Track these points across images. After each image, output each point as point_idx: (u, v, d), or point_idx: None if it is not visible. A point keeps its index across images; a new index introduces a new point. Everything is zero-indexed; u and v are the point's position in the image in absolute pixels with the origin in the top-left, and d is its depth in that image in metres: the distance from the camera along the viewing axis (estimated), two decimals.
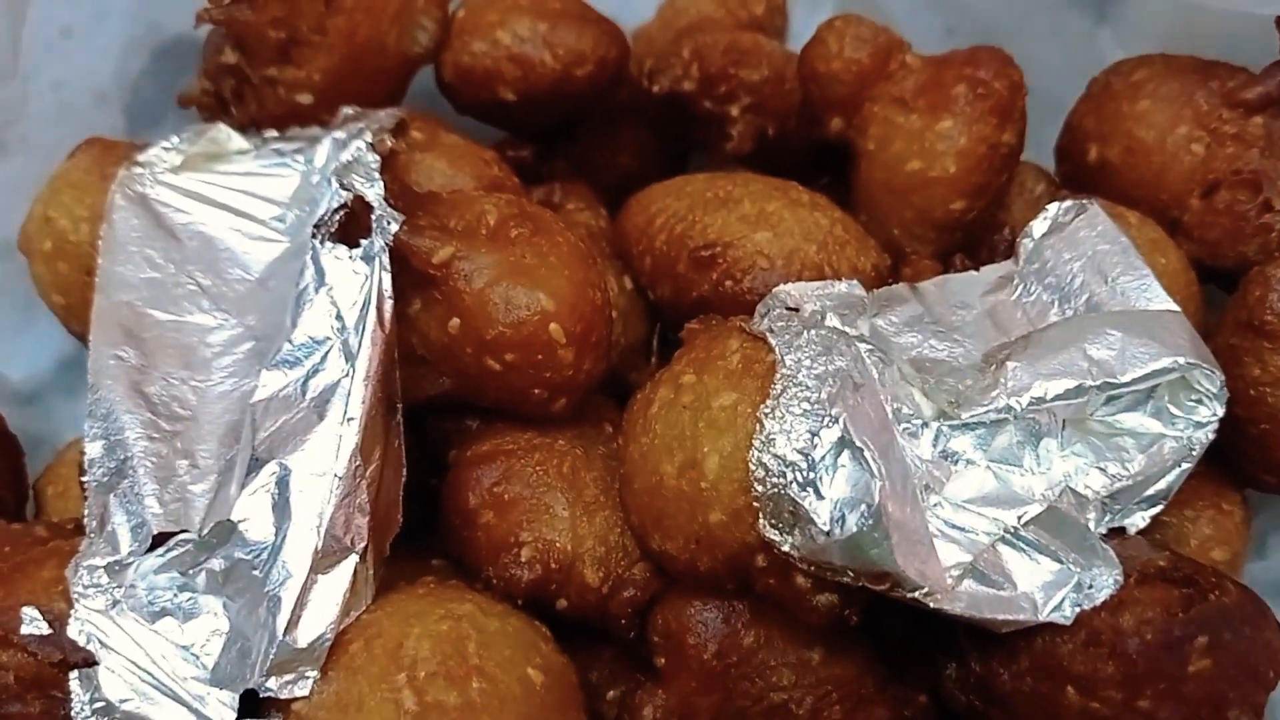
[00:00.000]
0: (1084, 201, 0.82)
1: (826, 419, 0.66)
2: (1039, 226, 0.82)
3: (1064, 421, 0.72)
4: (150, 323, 0.81)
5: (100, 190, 0.88)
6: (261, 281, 0.83)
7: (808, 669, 0.73)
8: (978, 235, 0.93)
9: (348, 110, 0.91)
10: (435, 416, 0.83)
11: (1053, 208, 0.82)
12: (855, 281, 0.81)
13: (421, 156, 0.87)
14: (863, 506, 0.64)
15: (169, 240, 0.84)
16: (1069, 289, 0.78)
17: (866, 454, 0.65)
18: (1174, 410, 0.73)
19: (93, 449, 0.76)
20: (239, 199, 0.86)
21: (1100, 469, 0.71)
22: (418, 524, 0.79)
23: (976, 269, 0.84)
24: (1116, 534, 0.72)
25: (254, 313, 0.82)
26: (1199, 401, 0.72)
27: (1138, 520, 0.73)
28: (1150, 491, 0.73)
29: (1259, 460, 0.81)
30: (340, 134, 0.86)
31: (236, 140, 0.90)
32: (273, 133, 0.91)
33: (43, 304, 0.94)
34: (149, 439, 0.77)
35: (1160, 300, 0.75)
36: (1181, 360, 0.70)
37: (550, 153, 1.05)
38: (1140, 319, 0.73)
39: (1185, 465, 0.73)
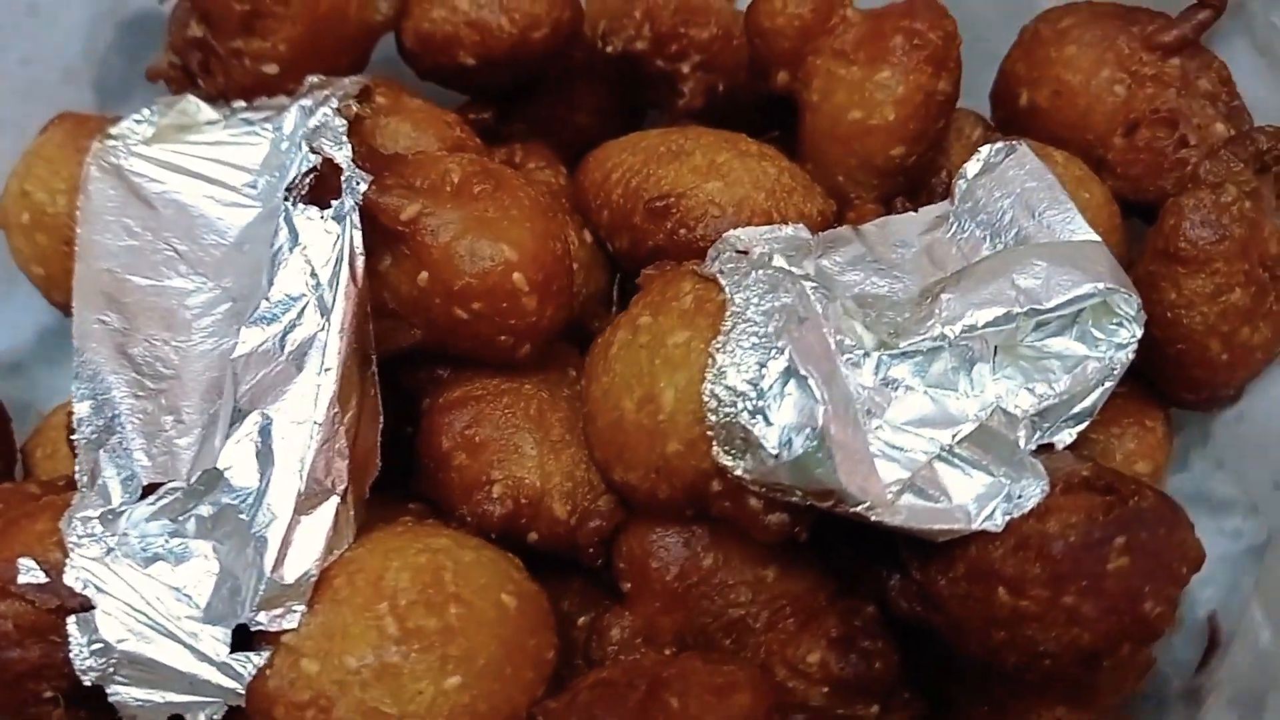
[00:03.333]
0: (1013, 143, 0.86)
1: (773, 350, 0.71)
2: (972, 167, 0.86)
3: (995, 348, 0.77)
4: (131, 288, 0.85)
5: (75, 163, 0.90)
6: (237, 245, 0.86)
7: (763, 586, 0.78)
8: (917, 179, 0.97)
9: (313, 79, 0.93)
10: (408, 368, 0.87)
11: (984, 150, 0.87)
12: (801, 225, 0.85)
13: (387, 120, 0.91)
14: (808, 429, 0.69)
15: (145, 209, 0.88)
16: (999, 225, 0.83)
17: (811, 381, 0.69)
18: (1096, 333, 0.77)
19: (81, 408, 0.80)
20: (211, 167, 0.89)
21: (1029, 389, 0.76)
22: (395, 472, 0.83)
23: (916, 211, 0.89)
24: (1045, 450, 0.77)
25: (230, 275, 0.85)
26: (1119, 324, 0.77)
27: (1065, 437, 0.78)
28: (1076, 409, 0.78)
29: (1178, 379, 0.86)
30: (307, 101, 0.89)
31: (206, 111, 0.93)
32: (241, 103, 0.94)
33: (23, 277, 0.97)
34: (135, 397, 0.80)
35: (1083, 232, 0.80)
36: (1101, 286, 0.75)
37: (510, 114, 1.09)
38: (1064, 249, 0.78)
39: (1108, 384, 0.78)
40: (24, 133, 0.97)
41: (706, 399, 0.71)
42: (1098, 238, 0.79)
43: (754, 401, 0.70)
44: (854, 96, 0.92)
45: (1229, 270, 0.82)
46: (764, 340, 0.71)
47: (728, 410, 0.71)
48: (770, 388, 0.70)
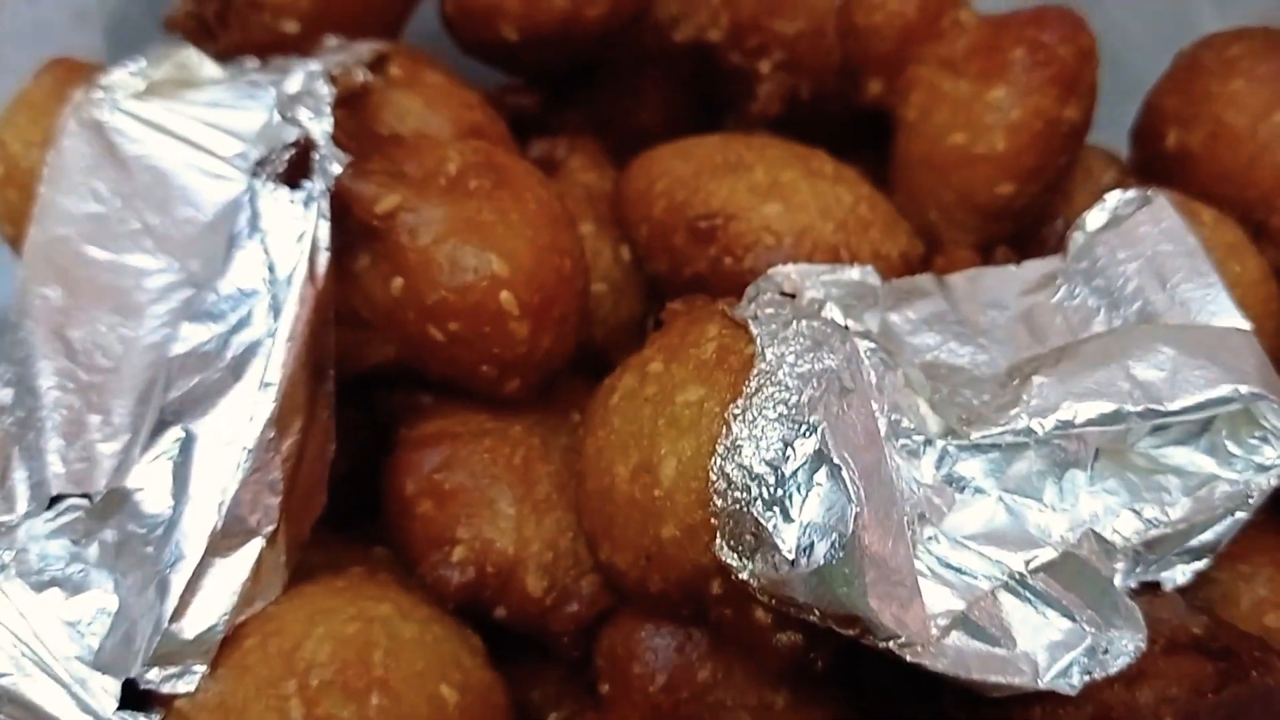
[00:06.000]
0: (1149, 192, 0.70)
1: (804, 427, 0.56)
2: (1094, 218, 0.71)
3: (1097, 451, 0.61)
4: (84, 261, 0.74)
5: (58, 114, 0.80)
6: (211, 225, 0.75)
7: (770, 714, 0.63)
8: (1028, 226, 0.82)
9: (331, 40, 0.83)
10: (382, 389, 0.74)
11: (1112, 197, 0.71)
12: (870, 268, 0.70)
13: (397, 95, 0.78)
14: (834, 535, 0.54)
15: (118, 172, 0.77)
16: (1120, 294, 0.66)
17: (845, 473, 0.54)
18: (1232, 447, 0.61)
19: (3, 394, 0.70)
20: (201, 131, 0.77)
21: (1134, 510, 0.60)
22: (365, 507, 0.72)
23: (1019, 265, 0.73)
24: (1149, 590, 0.61)
25: (198, 257, 0.73)
26: (1264, 439, 0.61)
27: (1177, 575, 0.62)
28: (1195, 542, 0.61)
29: None
30: (316, 65, 0.77)
31: (208, 66, 0.82)
32: (254, 62, 0.83)
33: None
34: (62, 389, 0.69)
35: (1227, 315, 0.63)
36: (1244, 389, 0.59)
37: (563, 103, 0.95)
38: (1200, 335, 0.62)
39: (1240, 514, 0.61)
40: (27, 77, 0.87)
41: (714, 478, 0.57)
42: (1247, 324, 0.63)
43: (772, 489, 0.55)
44: (959, 117, 0.78)
45: None
46: (793, 412, 0.56)
47: (738, 496, 0.56)
48: (794, 474, 0.55)
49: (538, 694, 0.71)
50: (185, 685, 0.59)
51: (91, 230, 0.75)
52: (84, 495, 0.64)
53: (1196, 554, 0.62)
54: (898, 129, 0.82)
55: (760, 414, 0.57)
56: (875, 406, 0.59)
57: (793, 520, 0.55)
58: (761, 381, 0.58)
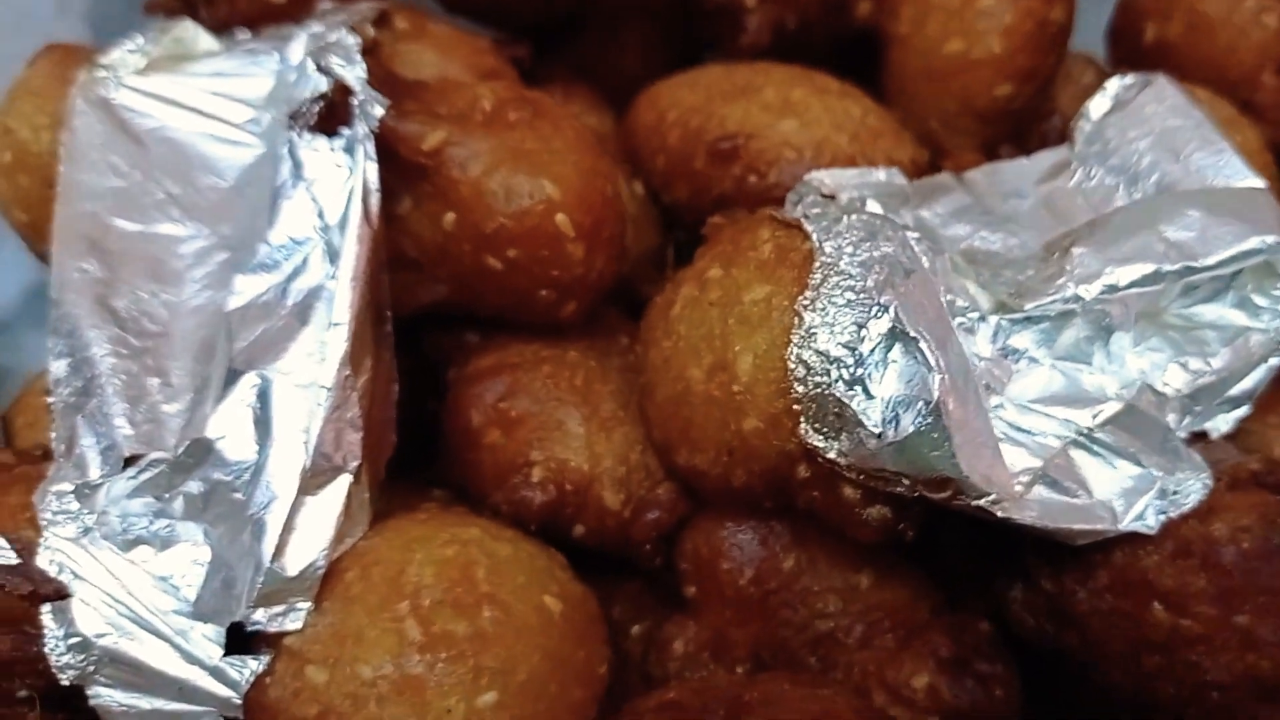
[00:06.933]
0: (1148, 75, 0.73)
1: (874, 308, 0.58)
2: (1098, 105, 0.74)
3: (1136, 315, 0.64)
4: (116, 233, 0.73)
5: (62, 97, 0.79)
6: (237, 189, 0.75)
7: (856, 594, 0.65)
8: (1023, 128, 0.85)
9: (326, 4, 0.83)
10: (432, 332, 0.75)
11: (1113, 83, 0.74)
12: (895, 169, 0.73)
13: (408, 47, 0.79)
14: (920, 404, 0.56)
15: (134, 146, 0.76)
16: (1136, 170, 0.70)
17: (922, 344, 0.57)
18: (1259, 299, 0.65)
19: (57, 367, 0.69)
20: (209, 101, 0.77)
21: (1180, 364, 0.64)
22: (415, 453, 0.72)
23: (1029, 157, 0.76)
24: (1199, 439, 0.64)
25: (228, 222, 0.74)
26: None
27: (1220, 424, 0.66)
28: (1235, 391, 0.65)
29: None
30: (317, 28, 0.78)
31: (205, 39, 0.82)
32: (245, 33, 0.83)
33: (7, 233, 0.86)
34: (117, 356, 0.69)
35: (1242, 176, 0.67)
36: (1271, 240, 0.63)
37: (548, 55, 0.96)
38: (1222, 196, 0.65)
39: (1274, 360, 0.65)
40: (14, 68, 0.86)
41: (792, 366, 0.59)
42: (1262, 182, 0.66)
43: (851, 369, 0.57)
44: (952, 26, 0.81)
45: None
46: (862, 296, 0.59)
47: (819, 380, 0.58)
48: (871, 353, 0.57)
49: (617, 610, 0.72)
50: (293, 622, 0.60)
51: (117, 204, 0.74)
52: (160, 451, 0.64)
53: (1236, 402, 0.65)
54: (890, 46, 0.85)
55: (830, 302, 0.59)
56: (936, 286, 0.61)
57: (874, 396, 0.57)
58: (826, 272, 0.60)
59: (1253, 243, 0.62)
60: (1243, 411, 0.65)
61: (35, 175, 0.82)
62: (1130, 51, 0.87)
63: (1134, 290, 0.62)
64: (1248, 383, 0.65)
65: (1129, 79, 0.74)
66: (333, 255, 0.65)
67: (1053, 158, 0.75)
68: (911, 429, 0.56)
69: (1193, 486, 0.59)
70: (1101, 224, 0.66)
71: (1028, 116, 0.84)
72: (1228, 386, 0.65)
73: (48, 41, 0.88)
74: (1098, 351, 0.64)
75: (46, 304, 0.76)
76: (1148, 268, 0.62)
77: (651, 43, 1.01)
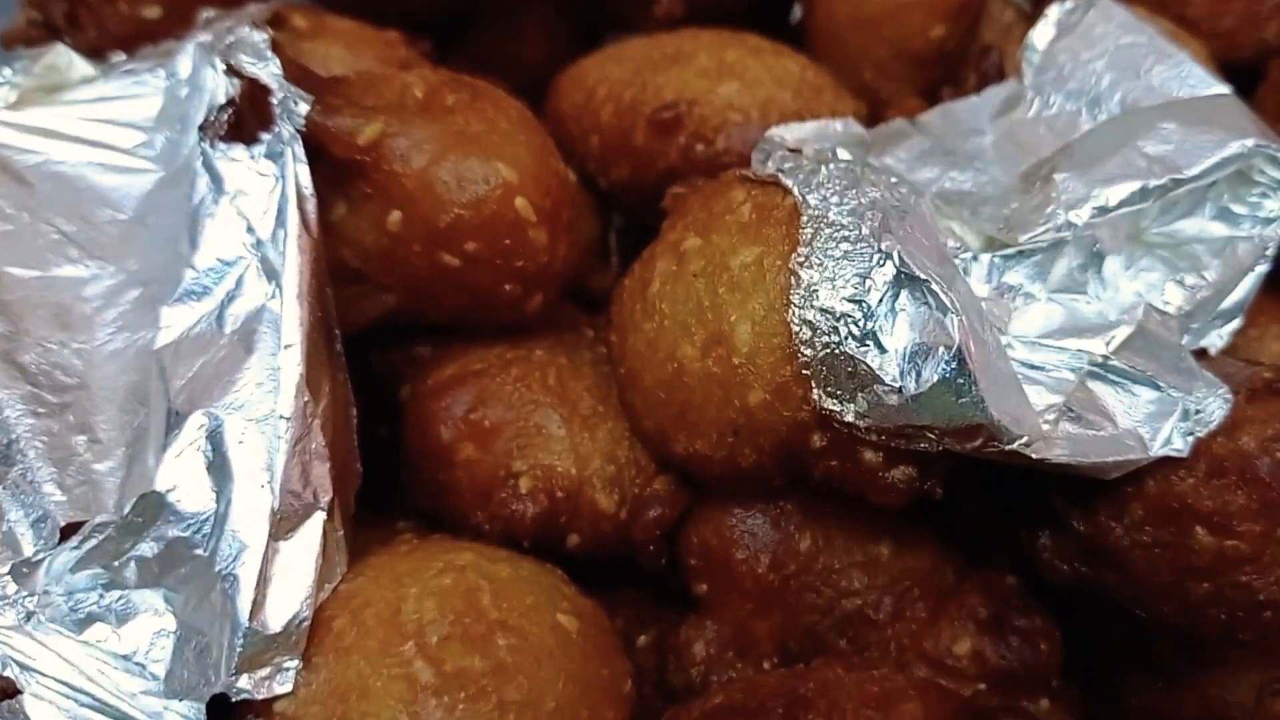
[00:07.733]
0: None
1: (876, 255, 0.55)
2: (1042, 34, 0.72)
3: (1124, 238, 0.62)
4: (11, 282, 0.66)
5: None
6: (138, 219, 0.68)
7: (879, 566, 0.62)
8: (955, 70, 0.82)
9: (207, 13, 0.77)
10: (378, 348, 0.69)
11: (1054, 9, 0.72)
12: (850, 119, 0.70)
13: (311, 45, 0.73)
14: (940, 350, 0.53)
15: (17, 186, 0.69)
16: (1097, 91, 0.68)
17: (934, 286, 0.53)
18: (1237, 209, 0.64)
19: None
20: (94, 129, 0.71)
21: (1177, 281, 0.62)
22: (367, 485, 0.66)
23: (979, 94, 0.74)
24: (1200, 357, 0.62)
25: (134, 256, 0.67)
26: (1263, 195, 0.63)
27: (1215, 340, 0.64)
28: (1226, 304, 0.64)
29: None
30: (205, 37, 0.71)
31: (81, 65, 0.76)
32: (120, 56, 0.77)
33: None
34: (34, 415, 0.62)
35: (1207, 84, 0.66)
36: (1250, 143, 0.61)
37: (446, 52, 0.91)
38: (1193, 106, 0.64)
39: (1261, 268, 0.64)
40: None
41: (796, 328, 0.55)
42: (1227, 88, 0.65)
43: (860, 324, 0.54)
44: None
45: None
46: (860, 245, 0.55)
47: (826, 339, 0.54)
48: (879, 304, 0.54)
49: (620, 621, 0.67)
50: (282, 685, 0.54)
51: (7, 251, 0.67)
52: (102, 515, 0.57)
53: (1229, 315, 0.64)
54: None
55: (826, 255, 0.55)
56: (933, 224, 0.58)
57: (887, 350, 0.53)
58: (817, 225, 0.56)
59: (1234, 148, 0.61)
60: (1236, 324, 0.64)
61: None
62: None
63: (1123, 210, 0.61)
64: (1238, 293, 0.64)
65: (1069, 3, 0.72)
66: (270, 272, 0.59)
67: (1003, 92, 0.73)
68: (935, 378, 0.53)
69: (1213, 404, 0.57)
70: (1077, 148, 0.64)
71: (957, 58, 0.81)
72: (1221, 299, 0.63)
73: None
74: (1091, 279, 0.62)
75: None
76: (1134, 185, 0.60)
77: (551, 30, 0.96)
